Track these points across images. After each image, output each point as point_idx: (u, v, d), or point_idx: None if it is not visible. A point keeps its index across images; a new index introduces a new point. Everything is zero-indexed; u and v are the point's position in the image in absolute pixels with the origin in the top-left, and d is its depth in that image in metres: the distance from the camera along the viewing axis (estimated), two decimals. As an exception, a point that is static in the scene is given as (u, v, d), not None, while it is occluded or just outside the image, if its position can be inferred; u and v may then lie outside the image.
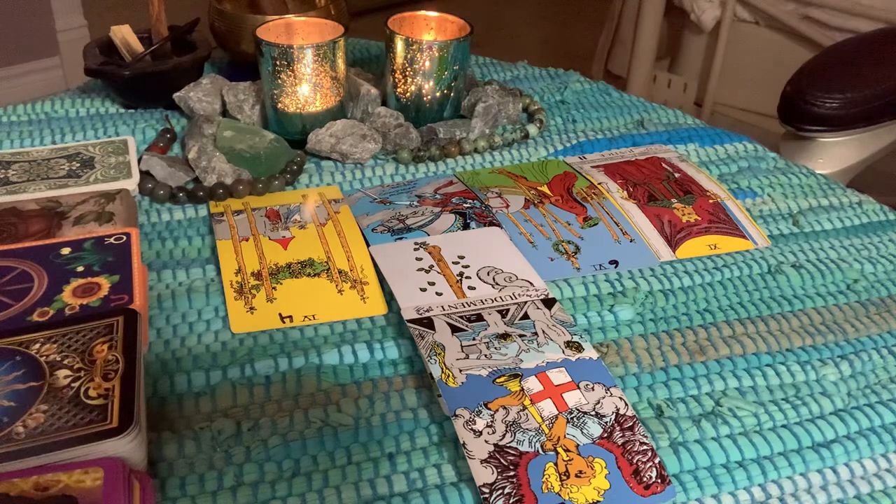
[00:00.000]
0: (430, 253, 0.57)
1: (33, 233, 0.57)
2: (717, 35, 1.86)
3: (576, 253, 0.59)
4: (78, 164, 0.66)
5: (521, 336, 0.49)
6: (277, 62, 0.67)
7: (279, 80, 0.68)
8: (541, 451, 0.42)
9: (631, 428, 0.44)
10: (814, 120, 0.74)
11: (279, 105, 0.70)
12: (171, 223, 0.62)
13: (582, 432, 0.43)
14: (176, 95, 0.74)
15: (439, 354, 0.48)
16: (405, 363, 0.50)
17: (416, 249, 0.58)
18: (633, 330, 0.53)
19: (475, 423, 0.43)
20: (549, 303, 0.52)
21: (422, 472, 0.43)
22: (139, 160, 0.67)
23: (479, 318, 0.51)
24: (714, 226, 0.62)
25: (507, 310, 0.52)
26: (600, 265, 0.58)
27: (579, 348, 0.48)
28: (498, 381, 0.46)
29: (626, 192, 0.65)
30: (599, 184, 0.66)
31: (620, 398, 0.45)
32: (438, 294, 0.53)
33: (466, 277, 0.55)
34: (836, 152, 0.76)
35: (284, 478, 0.42)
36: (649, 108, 0.82)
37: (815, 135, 0.75)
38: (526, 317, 0.51)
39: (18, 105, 0.77)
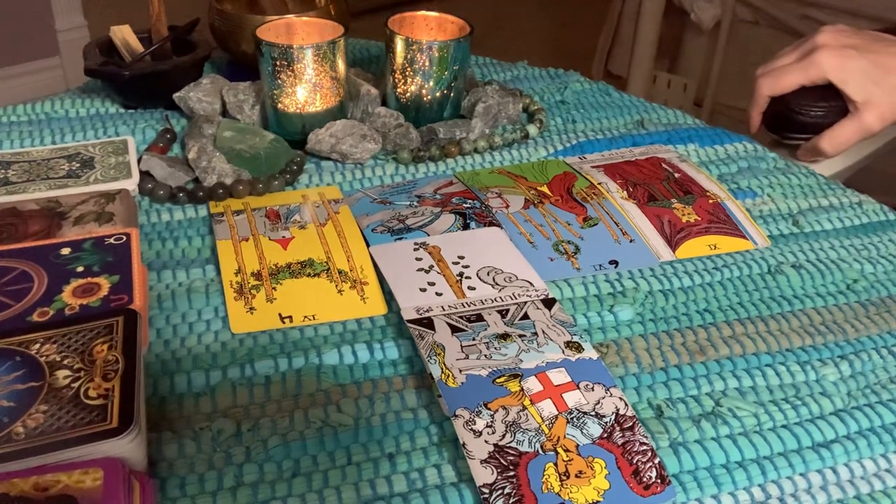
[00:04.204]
0: (430, 253, 0.57)
1: (33, 233, 0.57)
2: (717, 35, 1.86)
3: (576, 253, 0.59)
4: (78, 164, 0.66)
5: (521, 336, 0.49)
6: (277, 62, 0.67)
7: (279, 80, 0.68)
8: (541, 451, 0.42)
9: (631, 428, 0.44)
10: (799, 128, 0.74)
11: (279, 105, 0.70)
12: (171, 223, 0.62)
13: (582, 432, 0.43)
14: (176, 95, 0.74)
15: (439, 354, 0.48)
16: (405, 363, 0.50)
17: (416, 249, 0.58)
18: (633, 330, 0.53)
19: (475, 424, 0.43)
20: (549, 303, 0.52)
21: (422, 472, 0.43)
22: (139, 160, 0.67)
23: (479, 318, 0.51)
24: (714, 226, 0.62)
25: (507, 310, 0.52)
26: (600, 265, 0.58)
27: (579, 348, 0.48)
28: (498, 381, 0.46)
29: (626, 192, 0.65)
30: (599, 184, 0.66)
31: (620, 398, 0.45)
32: (438, 294, 0.53)
33: (466, 277, 0.55)
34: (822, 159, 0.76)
35: (284, 478, 0.42)
36: (649, 108, 0.82)
37: (801, 143, 0.75)
38: (526, 317, 0.51)
39: (18, 105, 0.77)
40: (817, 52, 0.71)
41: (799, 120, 0.74)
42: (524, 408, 0.44)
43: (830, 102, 0.72)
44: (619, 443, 0.43)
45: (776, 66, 0.74)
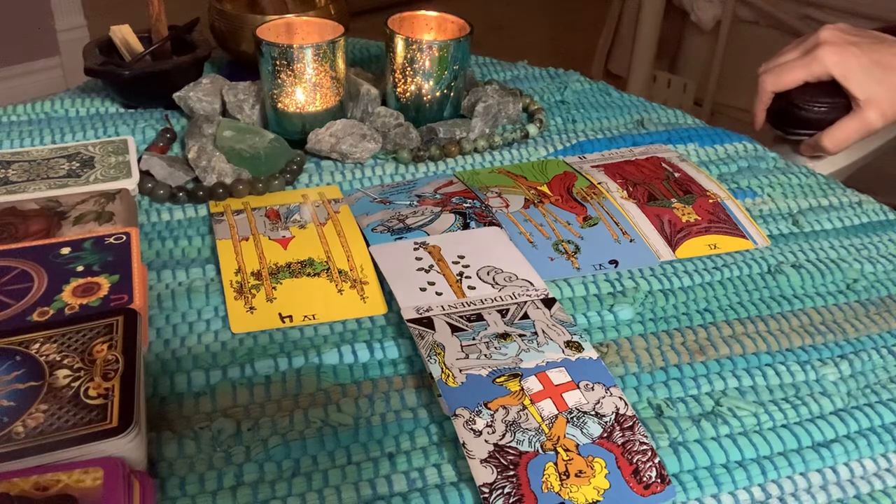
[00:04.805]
0: (429, 253, 0.57)
1: (33, 232, 0.57)
2: (717, 35, 1.86)
3: (576, 253, 0.59)
4: (78, 164, 0.66)
5: (521, 336, 0.49)
6: (277, 62, 0.67)
7: (279, 80, 0.68)
8: (541, 450, 0.42)
9: (631, 428, 0.44)
10: (803, 124, 0.74)
11: (279, 105, 0.70)
12: (171, 223, 0.62)
13: (582, 432, 0.43)
14: (176, 95, 0.74)
15: (439, 354, 0.48)
16: (405, 363, 0.50)
17: (416, 249, 0.58)
18: (633, 330, 0.53)
19: (475, 423, 0.43)
20: (549, 303, 0.52)
21: (422, 471, 0.43)
22: (139, 160, 0.67)
23: (479, 317, 0.51)
24: (714, 225, 0.62)
25: (507, 309, 0.52)
26: (600, 265, 0.58)
27: (579, 348, 0.48)
28: (498, 380, 0.46)
29: (625, 192, 0.65)
30: (599, 183, 0.66)
31: (620, 398, 0.45)
32: (438, 294, 0.53)
33: (466, 277, 0.55)
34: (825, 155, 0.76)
35: (284, 478, 0.42)
36: (649, 107, 0.82)
37: (804, 138, 0.75)
38: (526, 316, 0.51)
39: (18, 105, 0.77)
40: (820, 47, 0.72)
41: (803, 116, 0.74)
42: (524, 407, 0.44)
43: (834, 99, 0.72)
44: (619, 442, 0.43)
45: (779, 63, 0.74)
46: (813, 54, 0.72)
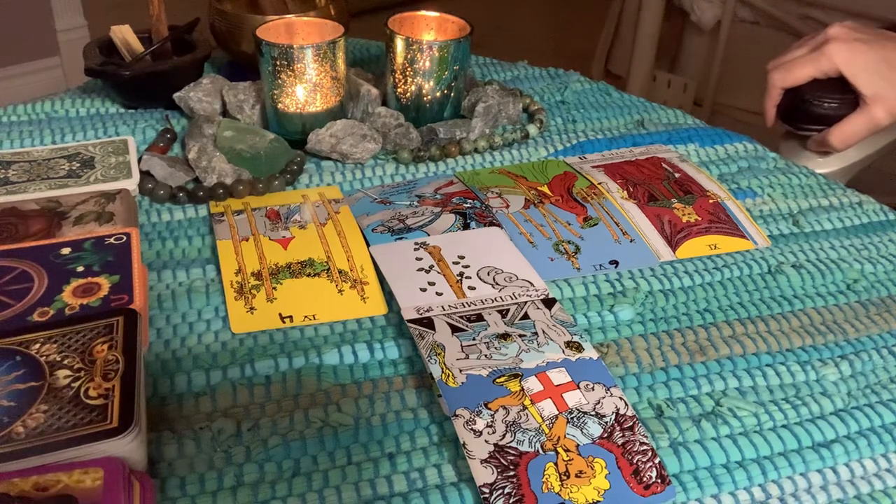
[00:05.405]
0: (430, 253, 0.57)
1: (33, 233, 0.57)
2: (717, 35, 1.86)
3: (576, 253, 0.59)
4: (78, 164, 0.66)
5: (521, 336, 0.49)
6: (277, 62, 0.67)
7: (279, 80, 0.68)
8: (541, 451, 0.42)
9: (631, 428, 0.44)
10: (813, 119, 0.74)
11: (279, 105, 0.70)
12: (171, 223, 0.62)
13: (582, 432, 0.43)
14: (176, 95, 0.74)
15: (439, 354, 0.48)
16: (405, 363, 0.50)
17: (416, 249, 0.58)
18: (633, 330, 0.53)
19: (475, 423, 0.43)
20: (549, 303, 0.52)
21: (422, 472, 0.43)
22: (139, 160, 0.67)
23: (480, 318, 0.51)
24: (714, 226, 0.62)
25: (508, 310, 0.52)
26: (600, 265, 0.58)
27: (579, 348, 0.48)
28: (498, 381, 0.46)
29: (626, 192, 0.65)
30: (599, 184, 0.66)
31: (620, 398, 0.45)
32: (438, 294, 0.53)
33: (466, 277, 0.55)
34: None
35: (284, 478, 0.42)
36: (649, 108, 0.82)
37: (814, 134, 0.75)
38: (526, 317, 0.51)
39: (18, 105, 0.77)
40: (828, 44, 0.72)
41: (814, 111, 0.74)
42: (524, 407, 0.44)
43: (845, 95, 0.72)
44: (620, 442, 0.43)
45: (788, 59, 0.74)
46: (821, 50, 0.72)
